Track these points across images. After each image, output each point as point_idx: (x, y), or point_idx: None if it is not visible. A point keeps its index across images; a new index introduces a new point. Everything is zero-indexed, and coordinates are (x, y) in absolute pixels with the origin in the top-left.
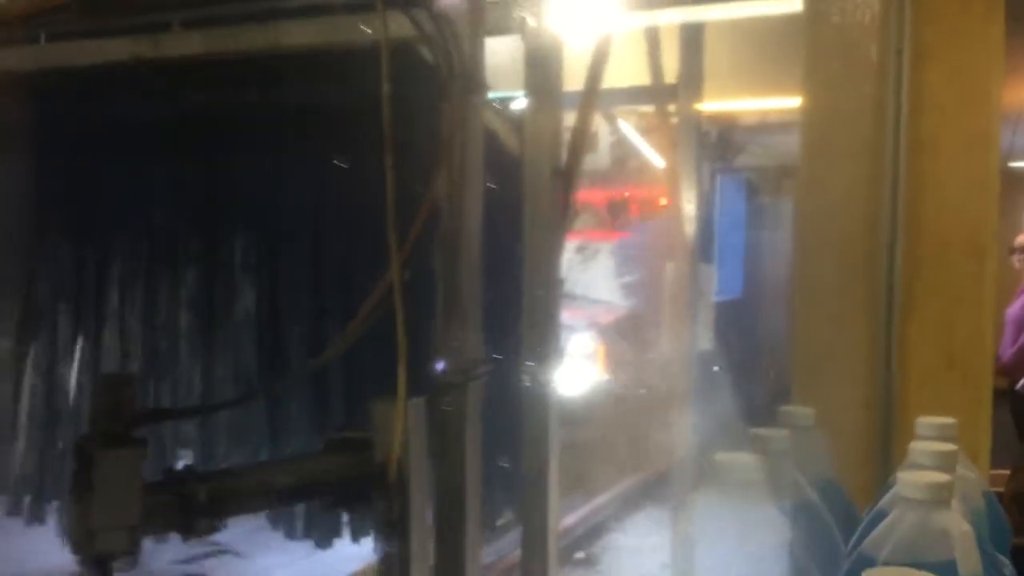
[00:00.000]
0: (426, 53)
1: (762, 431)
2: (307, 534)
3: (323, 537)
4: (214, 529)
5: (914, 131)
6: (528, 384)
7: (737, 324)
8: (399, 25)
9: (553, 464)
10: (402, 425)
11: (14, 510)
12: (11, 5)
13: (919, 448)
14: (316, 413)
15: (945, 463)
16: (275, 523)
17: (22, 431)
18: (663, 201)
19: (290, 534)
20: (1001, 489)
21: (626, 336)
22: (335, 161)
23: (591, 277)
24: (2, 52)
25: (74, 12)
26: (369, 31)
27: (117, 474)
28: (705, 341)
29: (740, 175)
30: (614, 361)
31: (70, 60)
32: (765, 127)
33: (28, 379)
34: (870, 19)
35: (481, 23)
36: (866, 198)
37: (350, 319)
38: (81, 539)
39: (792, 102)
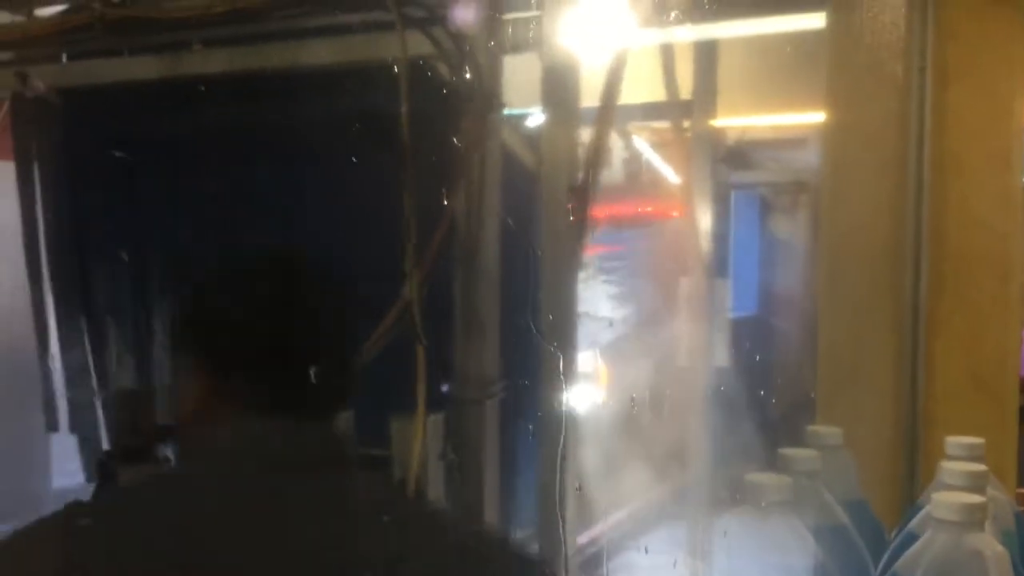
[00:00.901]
0: (444, 71)
1: (790, 451)
2: None
3: None
4: None
5: (937, 148)
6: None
7: (752, 340)
8: (418, 43)
9: (567, 482)
10: (421, 443)
11: None
12: (34, 24)
13: (949, 468)
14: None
15: (976, 483)
16: None
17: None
18: (649, 209)
19: None
20: (1023, 509)
21: (630, 354)
22: (356, 177)
23: (593, 293)
24: (26, 70)
25: (98, 31)
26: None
27: None
28: (721, 358)
29: (755, 190)
30: (616, 381)
31: (92, 79)
32: (779, 143)
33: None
34: (896, 38)
35: (499, 41)
36: (890, 215)
37: (370, 332)
38: None
39: (807, 117)
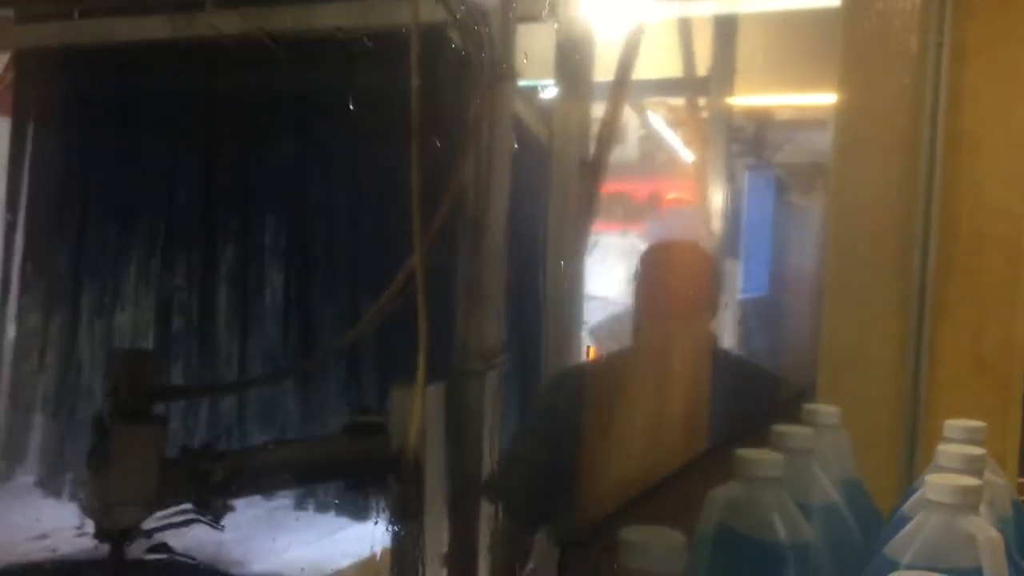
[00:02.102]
0: (456, 39)
1: (784, 428)
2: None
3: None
4: (229, 508)
5: (951, 128)
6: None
7: (763, 320)
8: (431, 10)
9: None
10: (419, 411)
11: (41, 482)
12: None
13: (947, 451)
14: (345, 394)
15: (973, 467)
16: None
17: (60, 405)
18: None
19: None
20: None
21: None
22: (367, 144)
23: (599, 270)
24: (36, 27)
25: None
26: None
27: (135, 449)
28: (728, 338)
29: (770, 171)
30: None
31: (103, 37)
32: (797, 123)
33: (65, 352)
34: (910, 10)
35: (512, 10)
36: (900, 195)
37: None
38: (98, 512)
39: (825, 98)
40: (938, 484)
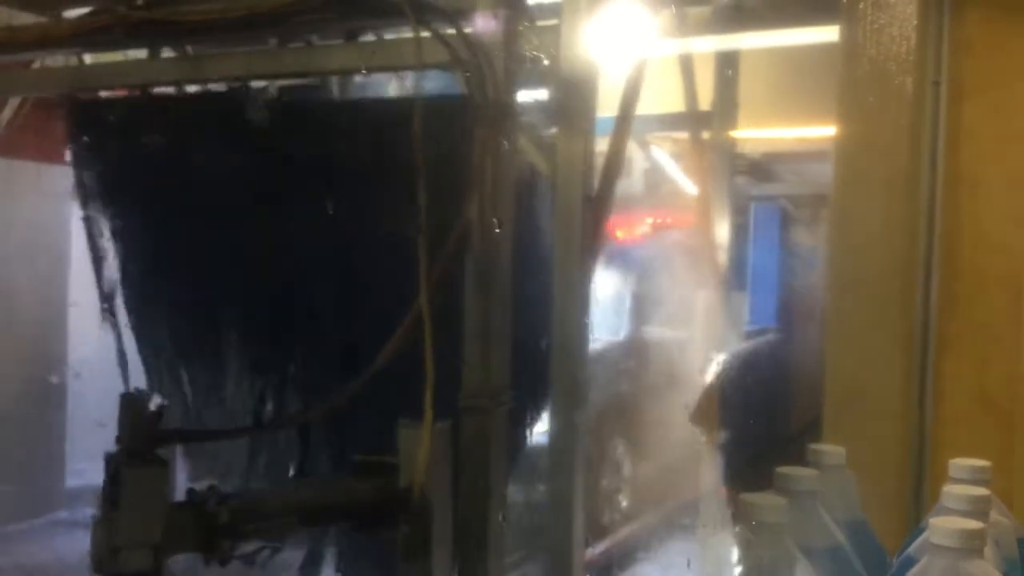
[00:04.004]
0: (461, 83)
1: (789, 470)
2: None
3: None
4: (235, 550)
5: (951, 165)
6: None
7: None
8: (434, 51)
9: (579, 492)
10: (427, 450)
11: None
12: (54, 25)
13: (952, 492)
14: (345, 437)
15: (979, 508)
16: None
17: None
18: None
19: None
20: None
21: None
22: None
23: (601, 305)
24: (46, 71)
25: (118, 34)
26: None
27: (142, 492)
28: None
29: (775, 202)
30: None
31: (112, 81)
32: (801, 155)
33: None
34: (906, 51)
35: (515, 49)
36: (901, 232)
37: (382, 342)
38: (105, 556)
39: (828, 130)
40: (943, 528)
